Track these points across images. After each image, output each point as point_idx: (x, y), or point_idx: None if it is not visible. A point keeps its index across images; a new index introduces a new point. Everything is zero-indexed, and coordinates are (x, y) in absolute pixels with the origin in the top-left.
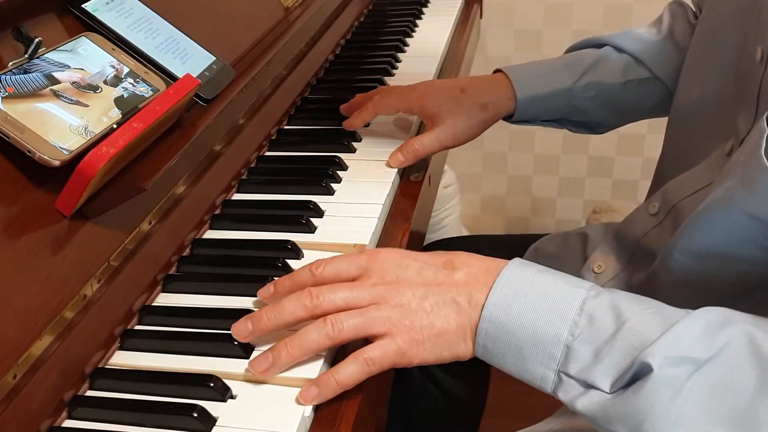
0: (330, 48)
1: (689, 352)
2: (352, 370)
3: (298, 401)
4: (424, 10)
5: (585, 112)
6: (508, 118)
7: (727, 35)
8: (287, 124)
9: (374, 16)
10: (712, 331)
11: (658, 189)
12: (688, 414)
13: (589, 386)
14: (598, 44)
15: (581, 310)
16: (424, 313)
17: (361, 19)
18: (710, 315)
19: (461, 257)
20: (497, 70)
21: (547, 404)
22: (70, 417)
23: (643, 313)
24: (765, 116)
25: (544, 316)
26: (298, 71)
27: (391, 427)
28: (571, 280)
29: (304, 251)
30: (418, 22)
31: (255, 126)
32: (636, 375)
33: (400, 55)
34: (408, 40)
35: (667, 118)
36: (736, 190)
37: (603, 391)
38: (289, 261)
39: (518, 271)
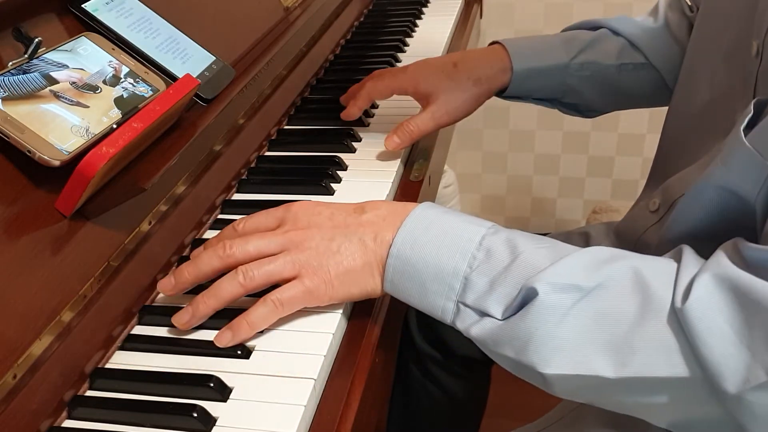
0: (330, 48)
1: (575, 281)
2: (262, 312)
3: (214, 344)
4: (424, 10)
5: (578, 92)
6: (501, 93)
7: (727, 33)
8: (287, 124)
9: (374, 16)
10: (601, 263)
11: (654, 185)
12: (571, 338)
13: (483, 314)
14: (595, 26)
15: (480, 245)
16: (330, 254)
17: (361, 19)
18: (600, 251)
19: (372, 203)
20: (493, 42)
21: (547, 404)
22: (70, 417)
23: (537, 247)
24: (753, 101)
25: (446, 252)
26: (298, 71)
27: (391, 427)
28: (474, 219)
29: None
30: (418, 22)
31: (255, 126)
32: (524, 300)
33: (400, 55)
34: (408, 40)
35: (661, 112)
36: (715, 167)
37: (495, 317)
38: None
39: (426, 212)
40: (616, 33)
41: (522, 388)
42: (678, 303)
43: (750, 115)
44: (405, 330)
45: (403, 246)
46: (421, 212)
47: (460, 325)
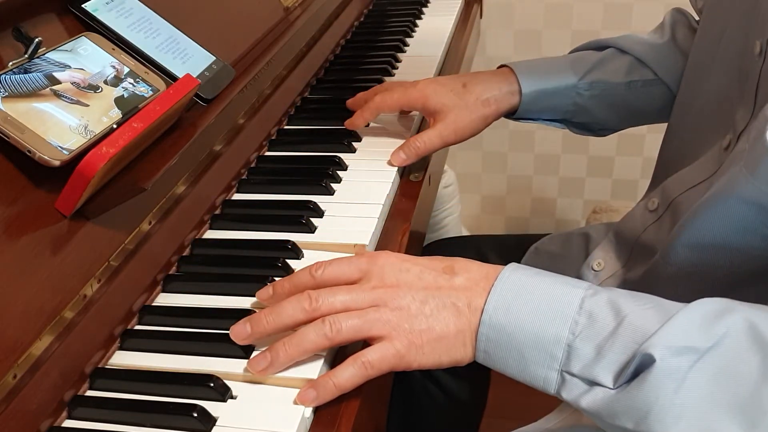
0: (330, 48)
1: (691, 342)
2: (350, 374)
3: (296, 403)
4: (424, 10)
5: (588, 111)
6: (511, 114)
7: (730, 35)
8: (287, 124)
9: (374, 16)
10: (712, 320)
11: (656, 186)
12: (693, 403)
13: (592, 383)
14: (601, 47)
15: (581, 308)
16: (423, 317)
17: (361, 19)
18: (708, 305)
19: (461, 263)
20: (501, 66)
21: (548, 404)
22: (70, 417)
23: (642, 308)
24: None
25: (544, 317)
26: (298, 71)
27: (391, 427)
28: (568, 280)
29: (304, 251)
30: (418, 22)
31: (255, 126)
32: (639, 367)
33: (400, 55)
34: (408, 40)
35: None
36: (740, 175)
37: (606, 387)
38: (289, 261)
39: (515, 275)
40: (622, 51)
41: (522, 389)
42: None
43: None
44: None
45: (496, 313)
46: (509, 275)
47: (567, 396)
